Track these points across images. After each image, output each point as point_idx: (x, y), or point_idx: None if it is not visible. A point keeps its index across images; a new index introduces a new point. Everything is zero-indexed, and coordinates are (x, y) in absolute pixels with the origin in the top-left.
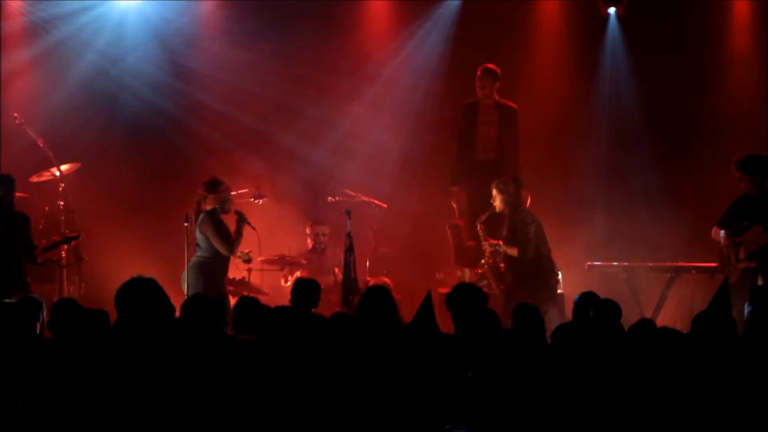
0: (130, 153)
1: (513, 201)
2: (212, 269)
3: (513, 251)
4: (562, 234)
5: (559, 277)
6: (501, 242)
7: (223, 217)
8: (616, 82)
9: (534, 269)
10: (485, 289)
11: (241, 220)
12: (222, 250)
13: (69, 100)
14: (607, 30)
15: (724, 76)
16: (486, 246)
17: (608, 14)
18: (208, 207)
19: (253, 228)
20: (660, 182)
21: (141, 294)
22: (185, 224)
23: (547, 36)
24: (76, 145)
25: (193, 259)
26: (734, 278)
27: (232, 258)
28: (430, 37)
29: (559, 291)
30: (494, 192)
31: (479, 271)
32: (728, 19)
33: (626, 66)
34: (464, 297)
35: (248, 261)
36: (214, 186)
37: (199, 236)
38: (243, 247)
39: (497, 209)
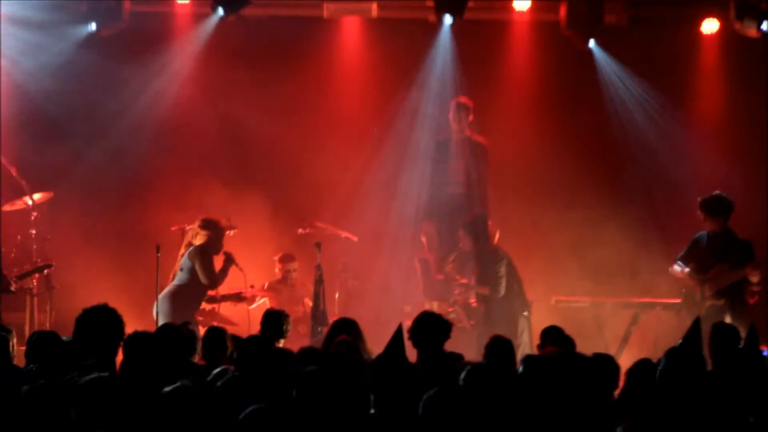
0: (99, 182)
1: (481, 239)
2: (187, 299)
3: (484, 290)
4: (530, 268)
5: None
6: (470, 281)
7: None
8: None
9: (505, 306)
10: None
11: (229, 260)
12: (205, 280)
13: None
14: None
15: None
16: (456, 285)
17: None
18: (198, 242)
19: (241, 269)
20: (628, 217)
21: (100, 322)
22: (157, 255)
23: (520, 64)
24: (48, 173)
25: (169, 287)
26: (699, 315)
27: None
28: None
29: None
30: (461, 232)
31: (450, 309)
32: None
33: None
34: (428, 326)
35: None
36: (212, 226)
37: (185, 263)
38: (230, 284)
39: (465, 249)
